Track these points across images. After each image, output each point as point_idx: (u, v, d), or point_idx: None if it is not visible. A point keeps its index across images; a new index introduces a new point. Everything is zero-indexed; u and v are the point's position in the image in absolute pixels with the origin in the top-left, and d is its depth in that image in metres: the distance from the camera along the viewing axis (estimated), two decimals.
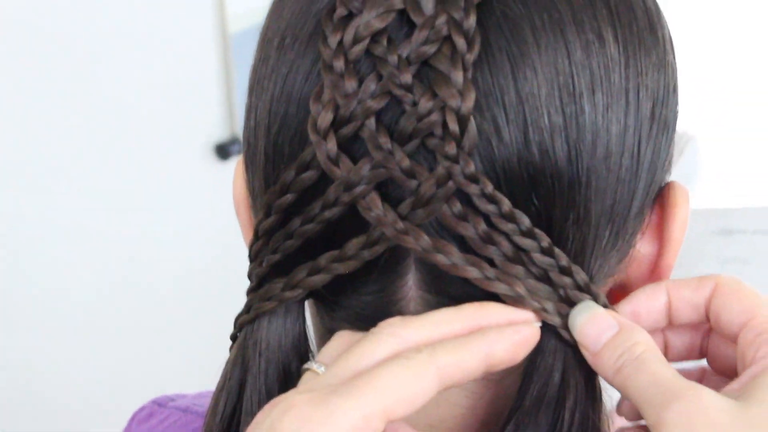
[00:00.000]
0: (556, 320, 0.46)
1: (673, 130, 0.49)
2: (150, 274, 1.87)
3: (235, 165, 0.54)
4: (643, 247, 0.50)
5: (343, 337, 0.46)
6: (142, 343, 1.86)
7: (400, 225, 0.44)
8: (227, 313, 0.57)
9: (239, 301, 0.51)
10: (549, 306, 0.46)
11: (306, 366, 0.45)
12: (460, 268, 0.44)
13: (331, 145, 0.44)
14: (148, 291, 1.87)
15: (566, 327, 0.46)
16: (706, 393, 0.42)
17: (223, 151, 1.92)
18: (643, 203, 0.48)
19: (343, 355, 0.43)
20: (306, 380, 0.44)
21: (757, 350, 0.44)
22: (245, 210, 0.53)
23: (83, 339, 1.80)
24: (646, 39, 0.47)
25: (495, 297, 0.45)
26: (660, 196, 0.50)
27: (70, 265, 1.78)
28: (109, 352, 1.83)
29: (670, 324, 0.49)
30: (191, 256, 1.91)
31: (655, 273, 0.50)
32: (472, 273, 0.45)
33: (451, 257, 0.44)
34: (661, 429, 0.42)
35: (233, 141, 1.92)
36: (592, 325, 0.45)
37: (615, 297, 0.50)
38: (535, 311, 0.45)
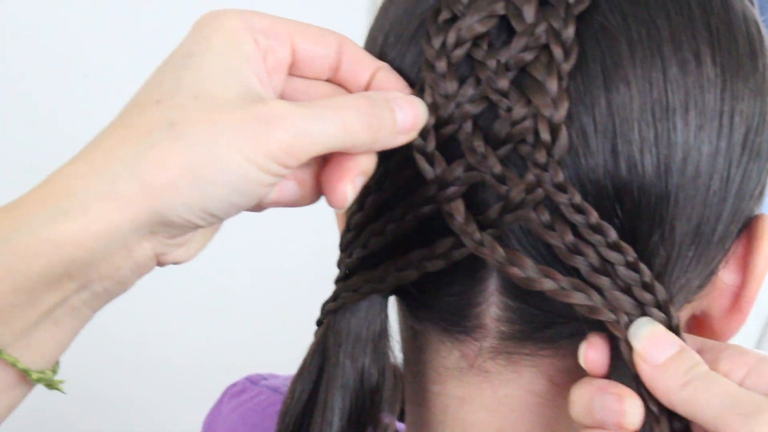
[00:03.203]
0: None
1: (766, 160, 0.49)
2: (246, 273, 1.86)
3: None
4: (726, 276, 0.49)
5: None
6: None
7: (477, 236, 0.45)
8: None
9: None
10: (624, 319, 0.45)
11: None
12: (534, 281, 0.45)
13: (431, 145, 0.46)
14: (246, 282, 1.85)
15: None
16: None
17: None
18: (728, 229, 0.48)
19: None
20: None
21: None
22: None
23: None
24: (745, 65, 0.46)
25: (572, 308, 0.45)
26: (748, 228, 0.49)
27: None
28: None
29: None
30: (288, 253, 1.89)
31: (736, 305, 0.50)
32: (547, 285, 0.45)
33: (525, 270, 0.45)
34: None
35: None
36: (655, 339, 0.45)
37: (692, 328, 0.50)
38: (608, 322, 0.45)
